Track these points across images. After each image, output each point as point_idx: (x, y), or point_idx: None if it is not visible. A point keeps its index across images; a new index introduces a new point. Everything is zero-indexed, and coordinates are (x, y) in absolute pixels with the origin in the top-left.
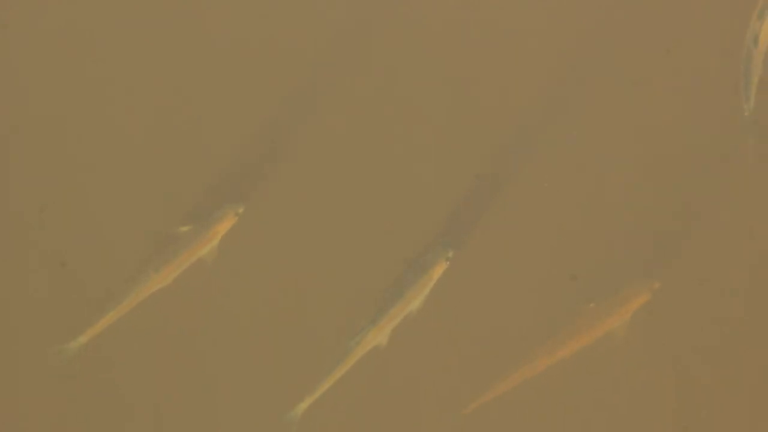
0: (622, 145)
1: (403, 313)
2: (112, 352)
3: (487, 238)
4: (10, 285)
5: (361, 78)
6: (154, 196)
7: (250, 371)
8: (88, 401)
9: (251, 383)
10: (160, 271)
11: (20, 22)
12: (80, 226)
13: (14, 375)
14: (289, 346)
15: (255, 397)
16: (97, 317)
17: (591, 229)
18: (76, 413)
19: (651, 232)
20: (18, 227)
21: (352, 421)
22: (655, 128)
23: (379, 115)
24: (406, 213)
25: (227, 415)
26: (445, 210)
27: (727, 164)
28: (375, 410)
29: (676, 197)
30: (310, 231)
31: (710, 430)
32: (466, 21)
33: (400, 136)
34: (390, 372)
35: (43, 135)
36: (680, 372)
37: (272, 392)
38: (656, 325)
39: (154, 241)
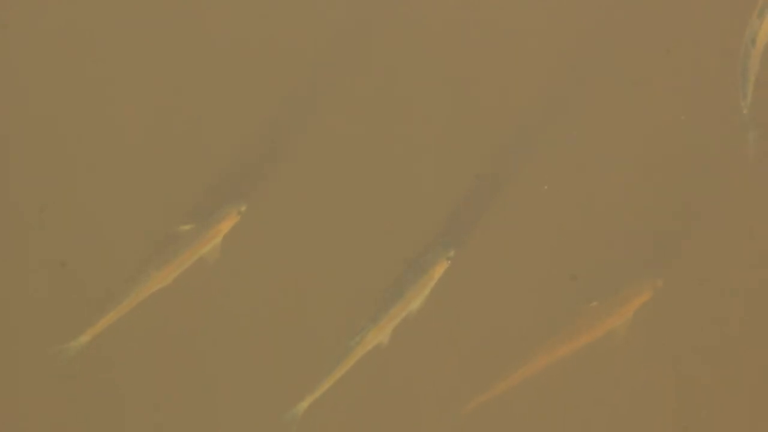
0: (622, 145)
1: (404, 313)
2: (112, 352)
3: (487, 238)
4: (10, 285)
5: (361, 78)
6: (154, 196)
7: (251, 371)
8: (88, 401)
9: (251, 383)
10: (162, 270)
11: (20, 22)
12: (80, 226)
13: (14, 375)
14: (289, 345)
15: (255, 396)
16: (99, 316)
17: (591, 229)
18: (76, 413)
19: (651, 232)
20: (18, 227)
21: (352, 420)
22: (655, 128)
23: (379, 115)
24: (406, 213)
25: (227, 415)
26: (445, 210)
27: (727, 164)
28: (375, 409)
29: (676, 197)
30: (310, 231)
31: (710, 430)
32: (466, 21)
33: (400, 136)
34: (390, 371)
35: (43, 135)
36: (680, 372)
37: (273, 391)
38: (656, 325)
39: (156, 240)
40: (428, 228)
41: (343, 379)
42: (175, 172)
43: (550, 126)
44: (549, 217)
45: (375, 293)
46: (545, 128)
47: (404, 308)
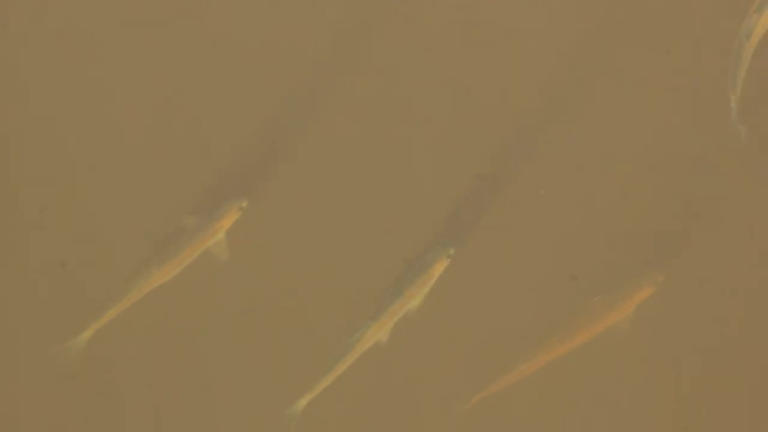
0: (622, 145)
1: (403, 310)
2: (112, 352)
3: (487, 238)
4: (10, 285)
5: (361, 78)
6: (153, 196)
7: (250, 369)
8: (88, 401)
9: (251, 381)
10: (164, 265)
11: (20, 22)
12: (80, 226)
13: (14, 375)
14: (289, 343)
15: (255, 394)
16: (102, 312)
17: (591, 229)
18: (76, 413)
19: (651, 232)
20: (18, 227)
21: (351, 417)
22: (655, 128)
23: (379, 115)
24: (406, 213)
25: (227, 412)
26: (445, 210)
27: (727, 164)
28: (375, 407)
29: (676, 197)
30: (310, 230)
31: (710, 430)
32: (466, 21)
33: (400, 136)
34: (390, 369)
35: (43, 135)
36: (680, 372)
37: (273, 389)
38: (656, 326)
39: (156, 240)
40: (428, 228)
41: (342, 376)
42: (175, 172)
43: (550, 126)
44: (549, 217)
45: (374, 293)
46: (545, 128)
47: (404, 306)
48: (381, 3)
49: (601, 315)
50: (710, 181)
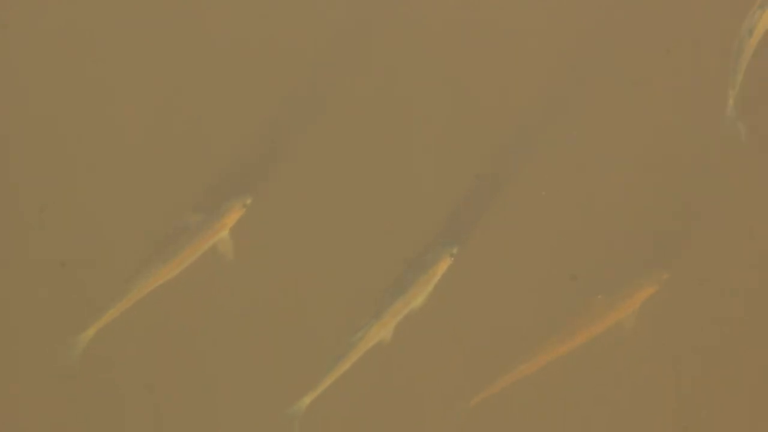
0: (622, 145)
1: (406, 309)
2: (112, 352)
3: (487, 238)
4: (10, 285)
5: (361, 78)
6: (153, 196)
7: (252, 368)
8: (88, 401)
9: (254, 379)
10: (168, 262)
11: (20, 22)
12: (80, 226)
13: (14, 375)
14: (292, 342)
15: (258, 392)
16: (105, 310)
17: (591, 229)
18: (76, 413)
19: (651, 232)
20: (18, 227)
21: (354, 415)
22: (655, 128)
23: (379, 115)
24: (406, 213)
25: (229, 412)
26: (445, 210)
27: (727, 164)
28: (377, 405)
29: (676, 197)
30: (310, 231)
31: (710, 430)
32: (466, 21)
33: (400, 136)
34: (393, 367)
35: (43, 135)
36: (680, 372)
37: (275, 388)
38: (656, 326)
39: (160, 234)
40: (428, 228)
41: (345, 375)
42: (175, 172)
43: (550, 126)
44: (549, 217)
45: (374, 292)
46: (545, 128)
47: (407, 305)
48: (381, 3)
49: (605, 313)
50: (710, 181)
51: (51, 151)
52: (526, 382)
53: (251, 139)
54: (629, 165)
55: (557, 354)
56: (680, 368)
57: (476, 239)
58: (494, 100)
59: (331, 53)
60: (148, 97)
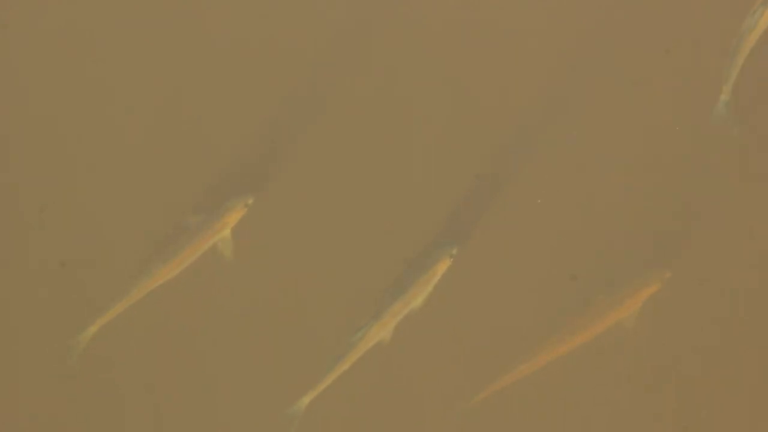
0: (622, 145)
1: (406, 309)
2: (112, 352)
3: (486, 238)
4: (10, 285)
5: (361, 78)
6: (153, 196)
7: (252, 369)
8: (88, 401)
9: (254, 379)
10: (169, 261)
11: (20, 22)
12: (80, 226)
13: (14, 375)
14: (292, 342)
15: (258, 392)
16: (107, 308)
17: (591, 229)
18: (76, 413)
19: (651, 232)
20: (18, 227)
21: (354, 415)
22: (655, 128)
23: (379, 115)
24: (406, 213)
25: (229, 412)
26: (445, 210)
27: (727, 164)
28: (377, 405)
29: (676, 197)
30: (310, 231)
31: (710, 430)
32: (466, 21)
33: (400, 135)
34: (393, 367)
35: (43, 135)
36: (680, 372)
37: (275, 388)
38: (656, 326)
39: (161, 234)
40: (428, 228)
41: (345, 375)
42: (174, 172)
43: (550, 126)
44: (549, 217)
45: (374, 293)
46: (545, 128)
47: (407, 305)
48: (381, 3)
49: (607, 312)
50: (710, 181)
51: (51, 151)
52: (526, 381)
53: (251, 139)
54: (629, 165)
55: (558, 353)
56: (680, 368)
57: (476, 239)
58: (494, 100)
59: (331, 53)
60: (148, 97)
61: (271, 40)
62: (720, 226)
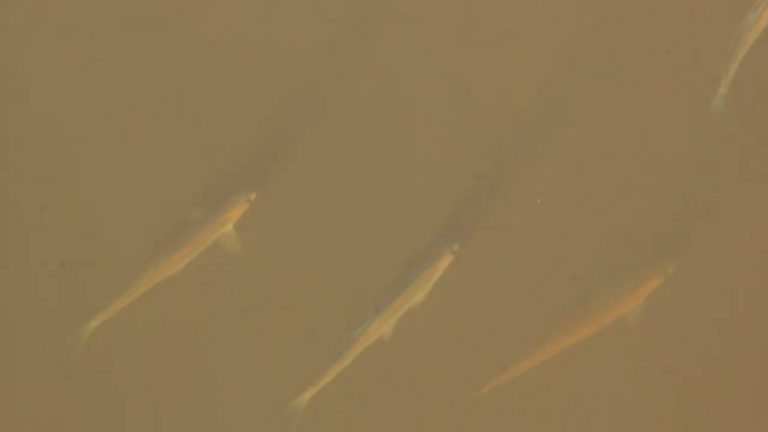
0: (622, 145)
1: (407, 305)
2: (112, 352)
3: (486, 238)
4: (10, 285)
5: (361, 78)
6: (153, 196)
7: (252, 368)
8: (88, 401)
9: (253, 378)
10: (171, 257)
11: (20, 22)
12: (80, 226)
13: (14, 375)
14: (291, 341)
15: (258, 388)
16: (108, 304)
17: (591, 229)
18: (76, 413)
19: (651, 232)
20: (18, 227)
21: (355, 411)
22: (655, 128)
23: (379, 115)
24: (406, 213)
25: (230, 409)
26: (445, 210)
27: (727, 164)
28: (378, 401)
29: (676, 197)
30: (311, 231)
31: (710, 430)
32: (466, 21)
33: (400, 136)
34: (394, 363)
35: (43, 135)
36: (680, 372)
37: (276, 384)
38: (656, 325)
39: (161, 234)
40: (428, 228)
41: (346, 371)
42: (175, 172)
43: (550, 126)
44: (549, 217)
45: (374, 292)
46: (545, 128)
47: (408, 301)
48: (381, 3)
49: (611, 304)
50: (710, 181)
51: (51, 151)
52: (526, 379)
53: (251, 139)
54: (629, 165)
55: (561, 347)
56: (680, 368)
57: (476, 239)
58: (494, 100)
59: (331, 53)
60: (148, 97)
61: (271, 40)
62: (720, 226)
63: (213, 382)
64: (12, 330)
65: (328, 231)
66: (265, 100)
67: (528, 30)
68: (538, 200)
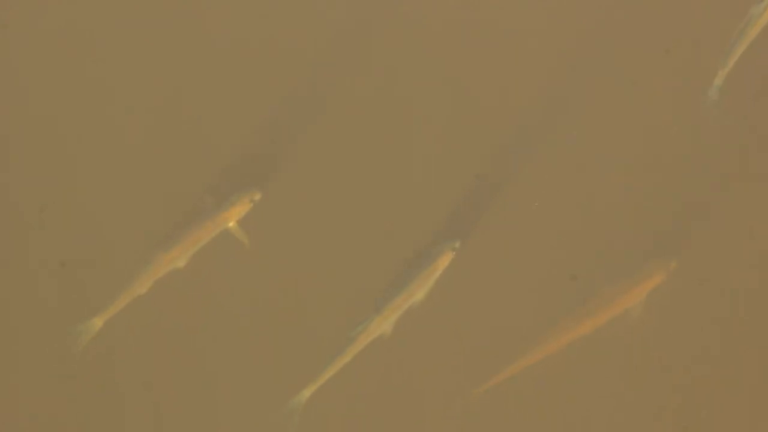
0: (622, 145)
1: (408, 303)
2: (112, 352)
3: (486, 238)
4: (10, 285)
5: (361, 78)
6: (153, 196)
7: (252, 366)
8: (88, 401)
9: (253, 377)
10: (171, 251)
11: (20, 22)
12: (80, 226)
13: (14, 375)
14: (290, 341)
15: (258, 388)
16: (111, 300)
17: (591, 229)
18: (76, 413)
19: (651, 232)
20: (18, 227)
21: (354, 408)
22: (655, 128)
23: (379, 115)
24: (406, 213)
25: (230, 406)
26: (445, 210)
27: (727, 164)
28: (377, 398)
29: (676, 197)
30: (311, 230)
31: (710, 430)
32: (466, 21)
33: (400, 136)
34: (393, 361)
35: (43, 135)
36: (680, 372)
37: (276, 381)
38: (656, 325)
39: (161, 234)
40: (428, 228)
41: (346, 369)
42: (174, 172)
43: (550, 126)
44: (549, 217)
45: (374, 292)
46: (545, 128)
47: (408, 299)
48: (381, 3)
49: (613, 301)
50: (710, 181)
51: (51, 151)
52: (526, 378)
53: (251, 139)
54: (629, 165)
55: (563, 343)
56: (680, 368)
57: (476, 239)
58: (494, 100)
59: (331, 53)
60: (148, 97)
61: (271, 40)
62: (720, 226)
63: (213, 380)
64: (12, 330)
65: (328, 230)
66: (265, 100)
67: (528, 30)
68: (536, 204)
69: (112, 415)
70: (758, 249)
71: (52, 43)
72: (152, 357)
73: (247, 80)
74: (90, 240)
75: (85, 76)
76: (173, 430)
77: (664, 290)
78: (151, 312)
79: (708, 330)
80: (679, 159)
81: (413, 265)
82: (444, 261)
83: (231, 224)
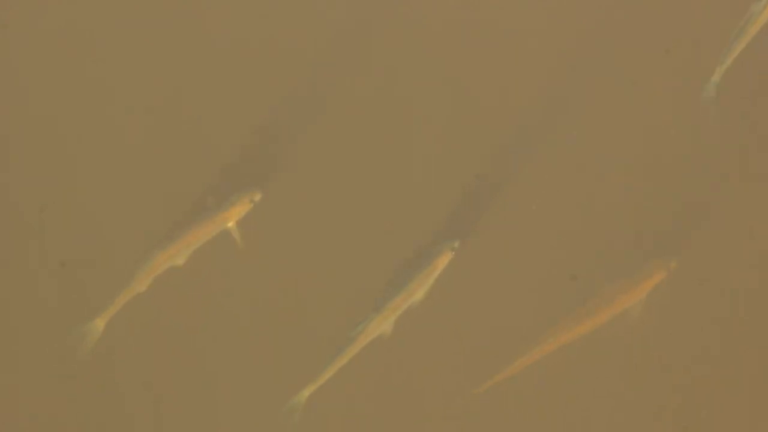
0: (622, 145)
1: (407, 302)
2: (112, 352)
3: (486, 238)
4: (10, 285)
5: (361, 78)
6: (153, 196)
7: (252, 366)
8: (88, 401)
9: (253, 376)
10: (168, 249)
11: (20, 22)
12: (80, 226)
13: (14, 375)
14: (290, 340)
15: (258, 387)
16: (111, 299)
17: (591, 229)
18: (76, 413)
19: (651, 232)
20: (18, 227)
21: (354, 408)
22: (655, 128)
23: (379, 115)
24: (406, 213)
25: (230, 406)
26: (445, 210)
27: (727, 164)
28: (377, 398)
29: (676, 197)
30: (311, 230)
31: (710, 430)
32: (466, 21)
33: (400, 136)
34: (393, 360)
35: (43, 135)
36: (680, 372)
37: (276, 381)
38: (656, 325)
39: (160, 234)
40: (428, 228)
41: (345, 368)
42: (174, 172)
43: (550, 126)
44: (549, 217)
45: (374, 293)
46: (545, 128)
47: (408, 298)
48: (381, 3)
49: (613, 299)
50: (710, 181)
51: (51, 151)
52: (526, 377)
53: (251, 139)
54: (629, 165)
55: (564, 341)
56: (680, 368)
57: (476, 239)
58: (494, 100)
59: (331, 53)
60: (149, 97)
61: (271, 40)
62: (720, 226)
63: (213, 380)
64: (12, 330)
65: (328, 230)
66: (265, 100)
67: (528, 30)
68: (534, 207)
69: (112, 415)
70: (758, 249)
71: (52, 43)
72: (152, 357)
73: (247, 80)
74: (90, 240)
75: (85, 76)
76: (173, 430)
77: (664, 290)
78: (151, 312)
79: (708, 330)
80: (679, 159)
81: (413, 264)
82: (443, 261)
83: (231, 224)
